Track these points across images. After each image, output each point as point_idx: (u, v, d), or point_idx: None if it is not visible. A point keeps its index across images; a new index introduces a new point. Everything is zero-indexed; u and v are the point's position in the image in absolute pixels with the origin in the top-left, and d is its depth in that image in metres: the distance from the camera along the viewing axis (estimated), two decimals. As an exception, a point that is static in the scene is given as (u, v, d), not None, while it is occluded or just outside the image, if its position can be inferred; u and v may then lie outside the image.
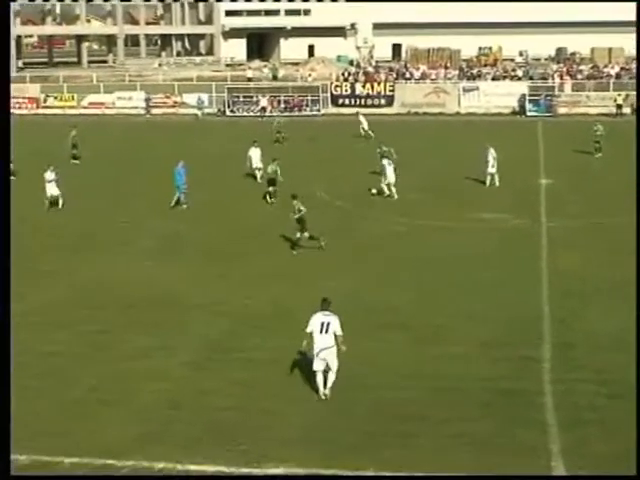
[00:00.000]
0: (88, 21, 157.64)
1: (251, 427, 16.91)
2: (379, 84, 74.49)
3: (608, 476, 15.11)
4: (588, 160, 47.33)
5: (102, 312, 23.81)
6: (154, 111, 74.88)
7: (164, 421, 17.32)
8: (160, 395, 18.51)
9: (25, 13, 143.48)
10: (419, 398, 18.13)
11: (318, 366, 17.97)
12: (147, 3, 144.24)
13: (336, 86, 74.75)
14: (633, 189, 36.20)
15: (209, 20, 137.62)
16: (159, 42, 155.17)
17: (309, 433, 16.73)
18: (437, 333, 21.96)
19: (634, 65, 75.53)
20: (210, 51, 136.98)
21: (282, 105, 73.22)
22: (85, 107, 77.06)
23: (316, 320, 17.95)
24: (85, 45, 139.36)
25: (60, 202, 37.10)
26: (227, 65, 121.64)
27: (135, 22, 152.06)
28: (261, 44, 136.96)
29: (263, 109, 71.62)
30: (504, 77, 77.80)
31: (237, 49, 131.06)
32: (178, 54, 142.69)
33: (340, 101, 73.36)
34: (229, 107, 73.59)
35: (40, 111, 77.04)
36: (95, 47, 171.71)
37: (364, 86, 74.08)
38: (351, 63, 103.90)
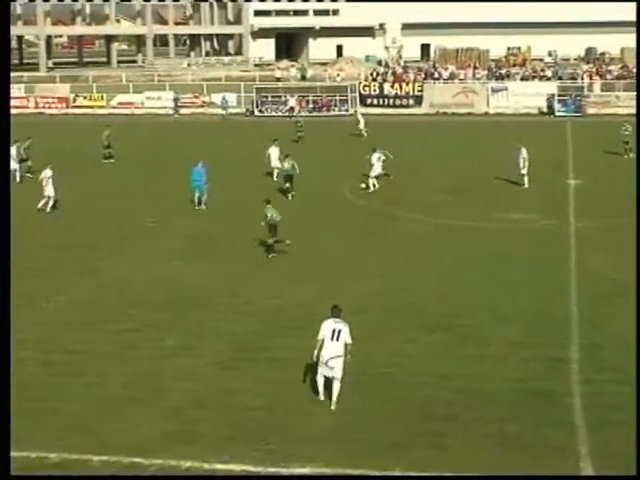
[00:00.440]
0: (117, 21, 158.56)
1: (278, 427, 16.94)
2: (407, 84, 74.37)
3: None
4: (617, 160, 47.07)
5: (132, 311, 23.91)
6: (182, 111, 75.12)
7: (192, 420, 17.38)
8: (188, 394, 18.58)
9: (55, 13, 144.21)
10: (448, 398, 18.11)
11: (325, 372, 17.69)
12: (176, 3, 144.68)
13: (364, 86, 74.66)
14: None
15: (238, 20, 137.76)
16: (188, 42, 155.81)
17: (336, 433, 16.73)
18: (466, 333, 21.93)
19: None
20: (239, 51, 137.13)
21: (310, 105, 73.31)
22: (114, 107, 77.46)
23: (327, 327, 17.67)
24: (114, 45, 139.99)
25: (50, 204, 35.91)
26: (255, 65, 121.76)
27: (164, 22, 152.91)
28: (290, 44, 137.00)
29: (291, 109, 71.52)
30: (533, 77, 77.60)
31: (266, 49, 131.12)
32: (207, 54, 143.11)
33: (368, 101, 73.27)
34: (257, 107, 73.63)
35: (70, 111, 77.48)
36: (124, 47, 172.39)
37: (392, 86, 73.96)
38: (379, 63, 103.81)
